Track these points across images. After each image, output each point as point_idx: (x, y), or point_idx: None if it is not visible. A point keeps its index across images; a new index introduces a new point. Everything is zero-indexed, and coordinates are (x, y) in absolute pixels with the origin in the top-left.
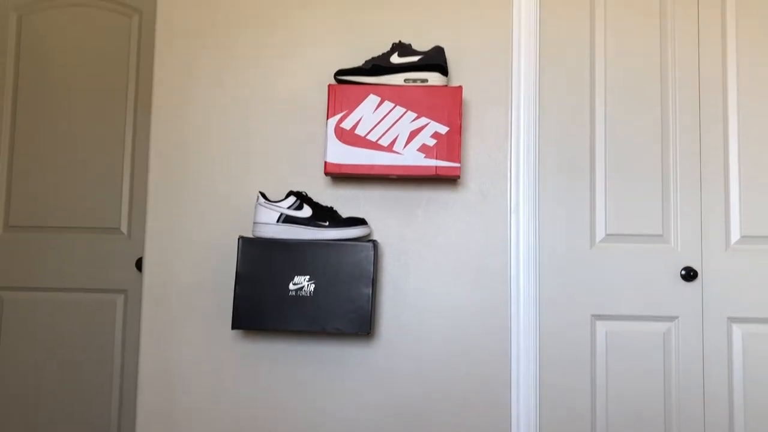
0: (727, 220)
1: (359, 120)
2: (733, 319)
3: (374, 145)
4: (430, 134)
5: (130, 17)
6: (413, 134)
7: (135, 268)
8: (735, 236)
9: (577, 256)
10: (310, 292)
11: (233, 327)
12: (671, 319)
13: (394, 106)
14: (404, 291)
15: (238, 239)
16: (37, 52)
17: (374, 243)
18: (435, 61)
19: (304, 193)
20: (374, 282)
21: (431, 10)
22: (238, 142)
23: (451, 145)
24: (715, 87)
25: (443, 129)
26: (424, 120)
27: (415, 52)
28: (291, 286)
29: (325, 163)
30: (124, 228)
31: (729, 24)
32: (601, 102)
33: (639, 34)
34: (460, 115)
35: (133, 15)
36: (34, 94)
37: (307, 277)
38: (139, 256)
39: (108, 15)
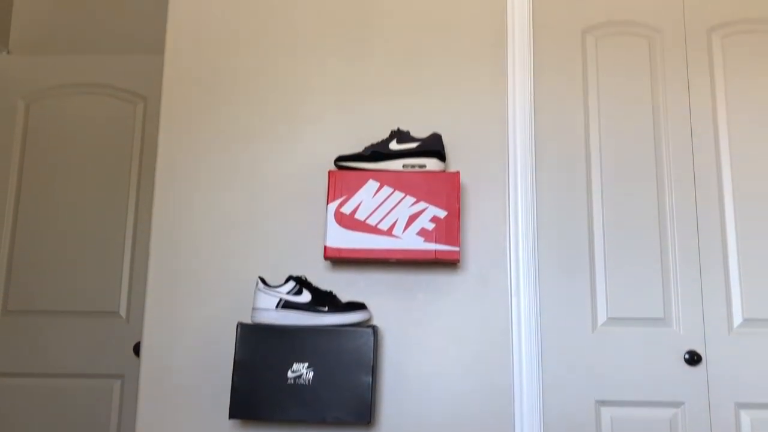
0: (728, 303)
1: (359, 205)
2: (740, 405)
3: (374, 230)
4: (429, 218)
5: (135, 104)
6: (412, 218)
7: (133, 353)
8: (737, 319)
9: (579, 340)
10: (308, 380)
11: (230, 416)
12: (677, 404)
13: (393, 191)
14: (405, 377)
15: (237, 325)
16: (42, 139)
17: (374, 328)
18: (433, 147)
19: (303, 278)
20: (374, 368)
21: (428, 98)
22: (238, 227)
23: (450, 229)
24: (709, 170)
25: (442, 213)
26: (422, 204)
27: (413, 139)
28: (290, 374)
29: (325, 247)
30: (122, 312)
31: (720, 109)
32: (597, 187)
33: (632, 121)
34: (459, 199)
35: (138, 102)
36: (37, 179)
37: (306, 364)
38: (137, 341)
39: (113, 102)
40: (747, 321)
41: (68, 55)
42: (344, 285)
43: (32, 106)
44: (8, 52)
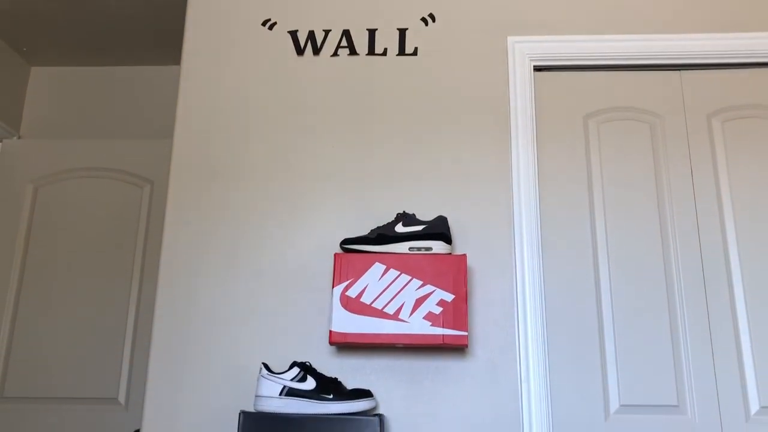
0: (744, 390)
1: (365, 288)
2: None
3: (380, 313)
4: (436, 302)
5: (141, 188)
6: (419, 302)
7: None
8: (754, 407)
9: (592, 429)
10: None
11: None
12: None
13: (400, 274)
14: None
15: (239, 414)
16: (48, 222)
17: (380, 417)
18: (438, 230)
19: (308, 364)
20: None
21: (434, 182)
22: (242, 312)
23: (457, 312)
24: (716, 252)
25: (449, 296)
26: (429, 288)
27: (419, 222)
28: None
29: (330, 332)
30: (121, 398)
31: (723, 190)
32: (605, 272)
33: (637, 204)
34: (465, 282)
35: (145, 185)
36: (41, 262)
37: None
38: (136, 429)
39: (120, 185)
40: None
41: (78, 140)
42: (350, 371)
43: (40, 189)
44: (19, 137)
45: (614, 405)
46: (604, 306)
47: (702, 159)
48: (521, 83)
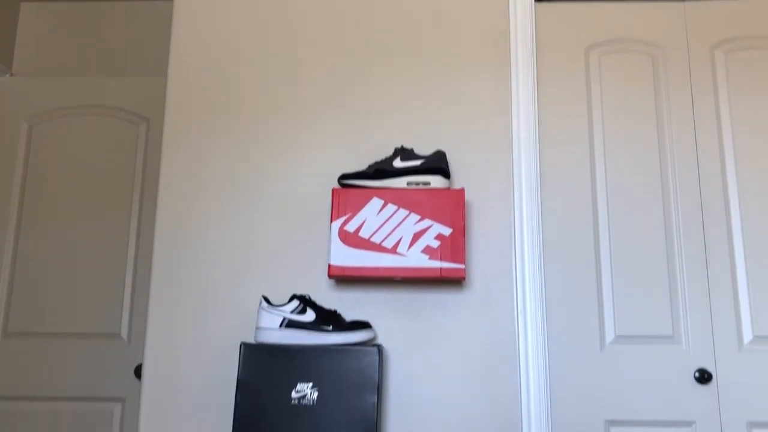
0: (737, 320)
1: (363, 222)
2: (753, 424)
3: (378, 248)
4: (434, 236)
5: (137, 125)
6: (417, 236)
7: (134, 376)
8: (747, 336)
9: (587, 359)
10: (313, 401)
11: None
12: (688, 424)
13: (398, 209)
14: (410, 397)
15: (240, 345)
16: (45, 160)
17: (379, 348)
18: (437, 164)
19: (307, 297)
20: (380, 388)
21: (432, 115)
22: (242, 246)
23: (455, 246)
24: (715, 185)
25: (447, 231)
26: (427, 222)
27: (417, 157)
28: (294, 394)
29: (329, 265)
30: (123, 333)
31: (724, 123)
32: (603, 204)
33: (636, 137)
34: (463, 216)
35: (141, 123)
36: (39, 200)
37: (311, 384)
38: (138, 363)
39: (116, 123)
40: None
41: (72, 77)
42: (349, 304)
43: (35, 127)
44: (11, 74)
45: (610, 336)
46: (601, 238)
47: (703, 91)
48: (522, 14)
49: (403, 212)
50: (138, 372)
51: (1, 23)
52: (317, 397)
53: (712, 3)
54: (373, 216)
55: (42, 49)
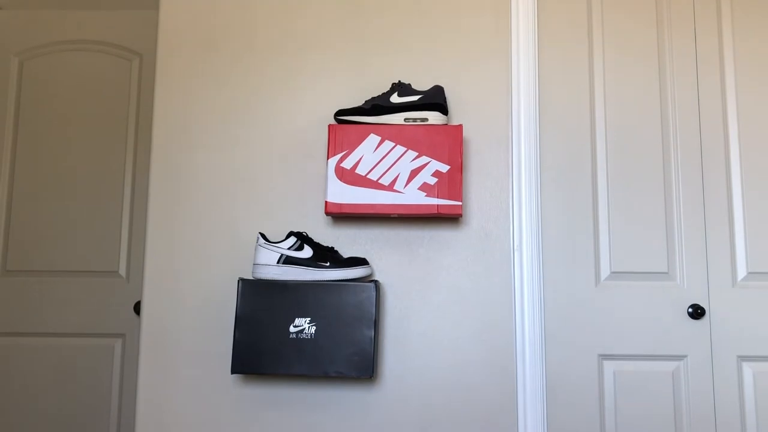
0: (732, 257)
1: (360, 159)
2: (743, 358)
3: (375, 185)
4: (431, 173)
5: (130, 60)
6: (414, 173)
7: (133, 312)
8: (741, 273)
9: (582, 295)
10: (311, 335)
11: (233, 371)
12: (680, 358)
13: (395, 146)
14: (407, 333)
15: (238, 281)
16: (37, 96)
17: (376, 283)
18: (435, 100)
19: (304, 234)
20: (376, 323)
21: (430, 50)
22: (238, 183)
23: (452, 183)
24: (715, 124)
25: (444, 168)
26: (424, 159)
27: (414, 92)
28: (292, 329)
29: (326, 202)
30: (122, 271)
31: (727, 61)
32: (602, 142)
33: (637, 74)
34: (461, 153)
35: (134, 58)
36: (33, 138)
37: (308, 319)
38: (137, 300)
39: (108, 59)
40: (751, 274)
41: (62, 10)
42: (346, 241)
43: (26, 62)
44: (0, 8)
45: (605, 272)
46: (599, 175)
47: (707, 30)
48: None
49: (400, 149)
50: (137, 309)
51: None
52: (315, 331)
53: None
54: (370, 153)
55: None
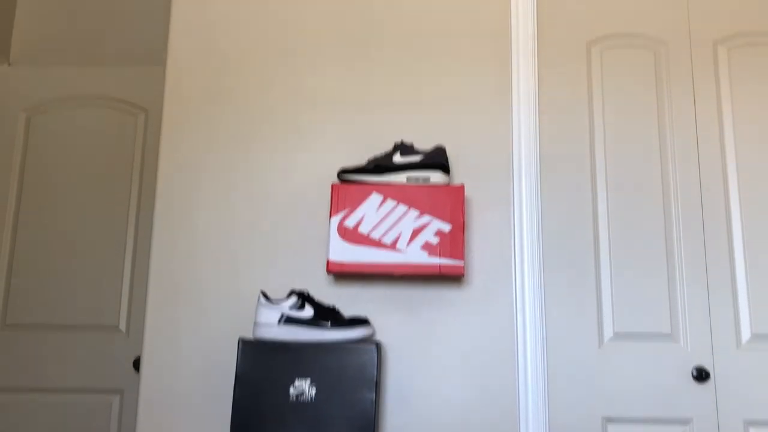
0: (736, 318)
1: (362, 218)
2: (749, 422)
3: (377, 243)
4: (434, 232)
5: (135, 116)
6: (416, 232)
7: (132, 368)
8: (746, 335)
9: (585, 356)
10: (311, 397)
11: None
12: (685, 422)
13: (397, 204)
14: (409, 394)
15: (238, 341)
16: (43, 151)
17: (378, 345)
18: (437, 160)
19: (306, 293)
20: (378, 385)
21: (433, 110)
22: (241, 240)
23: (454, 243)
24: (715, 181)
25: (446, 227)
26: (427, 218)
27: (416, 152)
28: (292, 390)
29: (328, 261)
30: (122, 326)
31: (726, 120)
32: (603, 200)
33: (638, 133)
34: (463, 213)
35: (139, 114)
36: (37, 191)
37: (309, 380)
38: (137, 355)
39: (114, 114)
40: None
41: (69, 67)
42: (347, 300)
43: (33, 118)
44: (9, 64)
45: (608, 333)
46: (601, 235)
47: (706, 87)
48: (523, 9)
49: (402, 208)
50: (137, 365)
51: None
52: (315, 393)
53: None
54: (373, 211)
55: (40, 39)
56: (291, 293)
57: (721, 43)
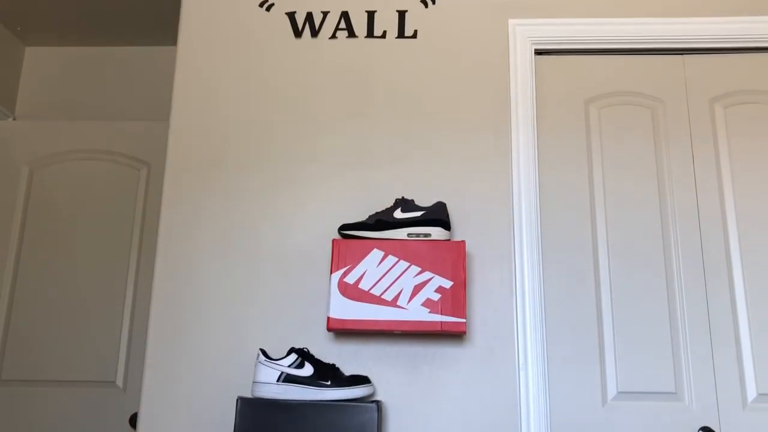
0: (741, 377)
1: (363, 274)
2: None
3: (378, 300)
4: (435, 288)
5: (138, 170)
6: (417, 288)
7: (129, 425)
8: (752, 394)
9: (589, 416)
10: None
11: None
12: None
13: (398, 261)
14: None
15: (237, 400)
16: (44, 204)
17: (378, 404)
18: (437, 216)
19: (305, 350)
20: None
21: (433, 166)
22: (240, 296)
23: (455, 299)
24: (716, 239)
25: (447, 283)
26: (427, 274)
27: (417, 208)
28: None
29: (328, 318)
30: (119, 382)
31: (725, 176)
32: (604, 257)
33: (637, 190)
34: (464, 269)
35: (142, 168)
36: (38, 244)
37: None
38: (133, 412)
39: (117, 168)
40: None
41: (73, 121)
42: (348, 357)
43: (36, 171)
44: (14, 119)
45: (612, 392)
46: (603, 293)
47: (703, 145)
48: (522, 67)
49: (403, 264)
50: (133, 421)
51: (5, 67)
52: None
53: (712, 57)
54: (373, 267)
55: (45, 94)
56: (290, 351)
57: (716, 101)
